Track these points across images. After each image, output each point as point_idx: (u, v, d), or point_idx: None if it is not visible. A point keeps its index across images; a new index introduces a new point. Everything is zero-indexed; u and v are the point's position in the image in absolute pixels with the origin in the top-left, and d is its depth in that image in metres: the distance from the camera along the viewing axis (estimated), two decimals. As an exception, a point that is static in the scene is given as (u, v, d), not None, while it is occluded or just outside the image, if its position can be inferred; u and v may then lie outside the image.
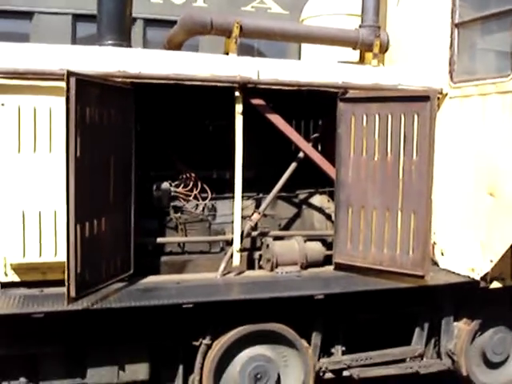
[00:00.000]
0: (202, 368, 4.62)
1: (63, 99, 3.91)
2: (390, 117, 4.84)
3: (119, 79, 4.36)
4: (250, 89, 4.78)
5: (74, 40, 9.89)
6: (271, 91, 4.86)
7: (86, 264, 3.92)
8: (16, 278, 4.32)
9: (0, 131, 4.15)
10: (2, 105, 4.14)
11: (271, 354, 4.75)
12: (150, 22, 9.78)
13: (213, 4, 10.01)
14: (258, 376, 4.66)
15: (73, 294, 3.77)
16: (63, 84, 3.84)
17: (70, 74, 3.63)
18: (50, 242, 4.20)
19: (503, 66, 4.74)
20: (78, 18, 9.93)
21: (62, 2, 9.92)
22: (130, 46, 4.98)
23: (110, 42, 4.86)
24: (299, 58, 8.96)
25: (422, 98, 4.71)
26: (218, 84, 4.68)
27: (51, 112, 4.20)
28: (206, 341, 4.60)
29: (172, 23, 10.29)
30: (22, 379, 4.31)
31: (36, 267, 4.30)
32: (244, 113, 4.80)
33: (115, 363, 4.42)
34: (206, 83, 4.63)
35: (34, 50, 4.37)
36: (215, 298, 4.41)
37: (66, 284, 3.75)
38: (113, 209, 4.29)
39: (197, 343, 4.60)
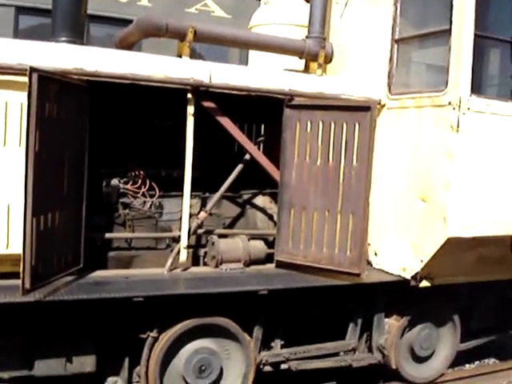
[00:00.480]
0: (148, 360, 4.77)
1: (19, 94, 4.00)
2: (333, 124, 5.13)
3: (76, 76, 4.45)
4: (202, 91, 4.96)
5: (16, 32, 9.74)
6: (222, 95, 5.06)
7: (39, 257, 3.99)
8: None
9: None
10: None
11: (215, 347, 4.96)
12: (93, 18, 9.75)
13: (157, 4, 10.09)
14: (202, 368, 4.86)
15: (27, 285, 3.84)
16: (20, 79, 3.91)
17: (32, 69, 3.71)
18: (3, 234, 4.23)
19: (439, 81, 5.13)
20: (20, 10, 9.79)
21: (6, -6, 9.77)
22: (83, 43, 5.06)
23: (64, 38, 4.92)
24: (239, 63, 9.20)
25: (363, 108, 5.04)
26: (172, 86, 4.84)
27: (7, 106, 4.23)
28: (153, 333, 4.75)
29: (116, 20, 10.35)
30: None
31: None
32: (195, 114, 4.98)
33: (63, 355, 4.50)
34: (160, 84, 4.78)
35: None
36: (164, 292, 4.57)
37: (21, 276, 3.82)
38: (66, 203, 4.37)
39: (144, 336, 4.74)
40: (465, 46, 4.88)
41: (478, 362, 6.89)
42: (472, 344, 6.38)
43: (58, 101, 4.10)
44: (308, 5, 6.20)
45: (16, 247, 4.07)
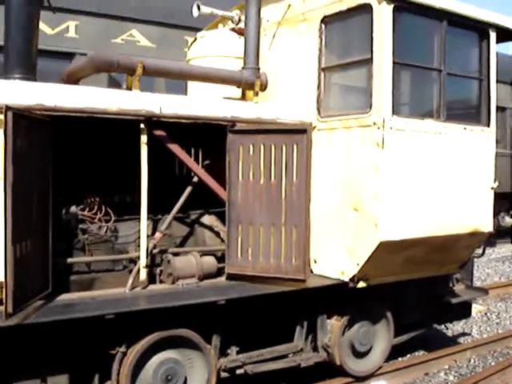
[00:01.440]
0: (118, 374, 5.07)
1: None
2: (273, 146, 5.68)
3: (38, 112, 4.75)
4: (153, 121, 5.38)
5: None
6: (171, 124, 5.50)
7: (18, 283, 4.26)
8: None
9: None
10: None
11: (179, 357, 5.32)
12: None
13: (84, 36, 10.34)
14: (169, 377, 5.20)
15: (10, 310, 4.10)
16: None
17: (7, 108, 4.02)
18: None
19: (363, 104, 5.80)
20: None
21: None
22: (35, 79, 5.34)
23: (17, 75, 5.19)
24: (165, 91, 9.64)
25: (299, 130, 5.63)
26: (126, 117, 5.23)
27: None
28: (122, 349, 5.06)
29: (43, 52, 10.47)
30: None
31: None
32: (148, 142, 5.38)
33: (38, 377, 4.74)
34: (115, 116, 5.16)
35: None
36: (133, 308, 4.91)
37: (5, 301, 4.07)
38: (35, 231, 4.65)
39: (114, 352, 5.05)
40: (385, 72, 5.58)
41: (409, 355, 7.60)
42: (404, 338, 7.08)
43: (26, 135, 4.40)
44: (238, 37, 6.79)
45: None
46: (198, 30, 11.37)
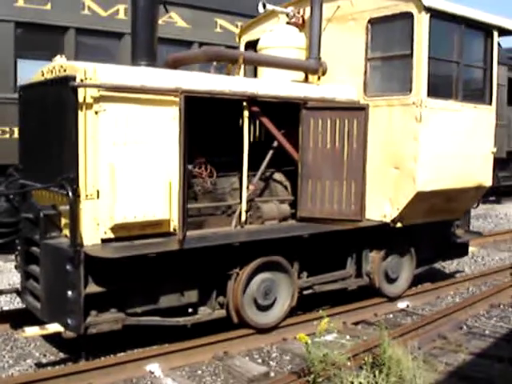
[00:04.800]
0: (233, 289, 6.86)
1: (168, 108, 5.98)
2: (337, 120, 7.46)
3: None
4: (252, 100, 7.08)
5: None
6: (263, 102, 7.20)
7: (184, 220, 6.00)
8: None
9: None
10: None
11: (273, 277, 7.15)
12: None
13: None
14: (267, 292, 7.05)
15: (181, 237, 5.85)
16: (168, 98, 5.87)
17: (182, 91, 5.70)
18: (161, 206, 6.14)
19: (404, 88, 7.63)
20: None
21: None
22: (156, 65, 6.92)
23: (143, 62, 6.70)
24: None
25: (359, 108, 7.44)
26: (235, 97, 6.92)
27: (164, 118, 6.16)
28: (237, 270, 6.85)
29: (98, 32, 11.88)
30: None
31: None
32: (248, 118, 7.10)
33: (178, 291, 6.46)
34: (229, 97, 6.83)
35: None
36: (253, 238, 6.77)
37: (179, 231, 5.81)
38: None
39: (231, 272, 6.84)
40: (422, 65, 7.42)
41: (419, 286, 9.60)
42: (423, 269, 9.09)
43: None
44: (297, 31, 8.49)
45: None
46: (225, 12, 13.16)
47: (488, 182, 8.65)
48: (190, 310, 6.77)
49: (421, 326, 7.17)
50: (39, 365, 6.33)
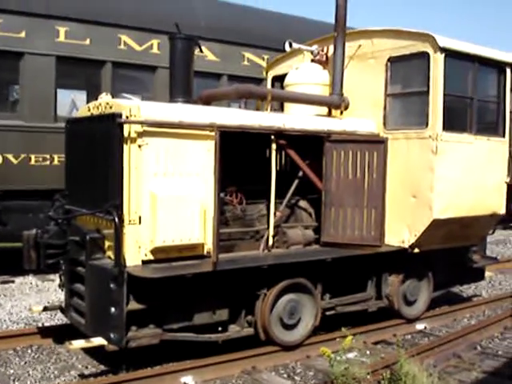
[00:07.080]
0: (261, 308, 7.38)
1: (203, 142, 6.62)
2: (358, 152, 8.03)
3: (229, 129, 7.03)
4: (279, 134, 7.68)
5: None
6: (290, 135, 7.80)
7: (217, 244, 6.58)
8: None
9: None
10: None
11: (297, 298, 7.67)
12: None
13: (165, 51, 12.48)
14: (292, 312, 7.58)
15: (215, 260, 6.43)
16: (203, 132, 6.50)
17: (217, 127, 6.32)
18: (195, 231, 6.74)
19: (421, 122, 8.17)
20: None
21: None
22: (192, 101, 7.58)
23: (180, 99, 7.41)
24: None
25: (379, 141, 8.00)
26: (263, 131, 7.53)
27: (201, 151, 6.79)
28: (264, 291, 7.39)
29: (133, 66, 12.65)
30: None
31: None
32: (275, 150, 7.70)
33: (210, 309, 6.98)
34: (258, 131, 7.45)
35: None
36: (280, 261, 7.27)
37: (213, 254, 6.39)
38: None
39: (259, 293, 7.37)
40: (438, 101, 7.97)
41: (437, 309, 10.03)
42: (439, 293, 9.54)
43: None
44: (321, 68, 9.11)
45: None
46: (252, 46, 13.86)
47: (501, 209, 9.11)
48: (220, 329, 7.29)
49: (437, 345, 7.62)
50: (82, 376, 6.91)
